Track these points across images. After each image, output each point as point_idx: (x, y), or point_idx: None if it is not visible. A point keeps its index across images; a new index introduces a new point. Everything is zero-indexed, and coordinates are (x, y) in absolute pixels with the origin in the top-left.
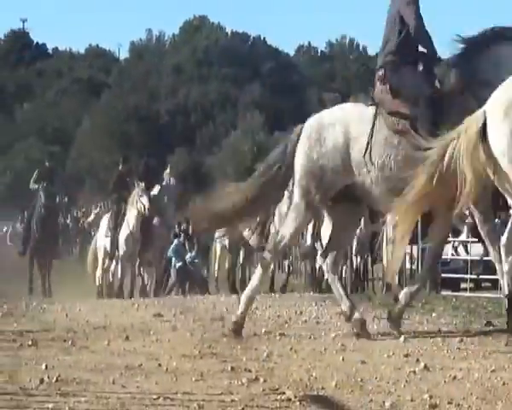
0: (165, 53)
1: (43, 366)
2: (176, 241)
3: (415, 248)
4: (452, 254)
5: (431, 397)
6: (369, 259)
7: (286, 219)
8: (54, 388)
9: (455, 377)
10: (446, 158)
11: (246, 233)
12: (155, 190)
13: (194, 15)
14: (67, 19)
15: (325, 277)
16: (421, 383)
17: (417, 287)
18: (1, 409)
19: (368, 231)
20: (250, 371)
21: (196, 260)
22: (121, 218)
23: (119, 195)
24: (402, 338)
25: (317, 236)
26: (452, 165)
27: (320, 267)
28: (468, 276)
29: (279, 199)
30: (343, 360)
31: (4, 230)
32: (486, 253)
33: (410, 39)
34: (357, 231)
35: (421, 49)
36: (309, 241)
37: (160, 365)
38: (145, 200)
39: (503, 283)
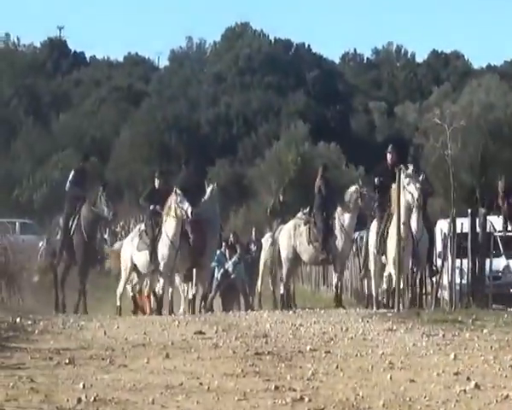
0: (205, 61)
1: (81, 386)
2: (217, 251)
3: (464, 262)
4: (504, 269)
5: None
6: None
7: None
8: (92, 408)
9: (507, 397)
10: None
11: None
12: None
13: (235, 22)
14: (105, 27)
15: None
16: (471, 402)
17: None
18: None
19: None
20: (295, 390)
21: (239, 265)
22: (158, 231)
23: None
24: (452, 356)
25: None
26: None
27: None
28: None
29: None
30: (391, 378)
31: (40, 244)
32: None
33: None
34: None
35: None
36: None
37: (201, 384)
38: (186, 205)
39: None
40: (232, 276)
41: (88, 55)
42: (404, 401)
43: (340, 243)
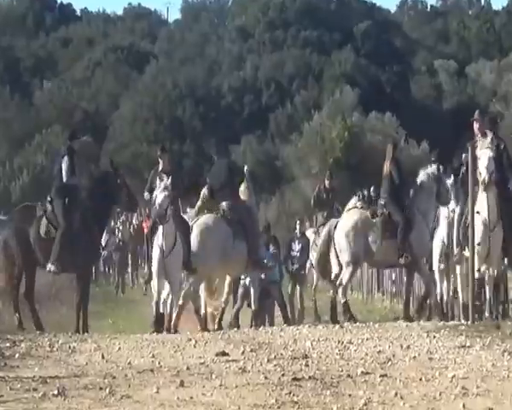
0: (227, 12)
1: None
2: None
3: None
4: None
5: None
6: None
7: None
8: None
9: None
10: None
11: None
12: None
13: None
14: None
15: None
16: None
17: None
18: None
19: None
20: None
21: (271, 264)
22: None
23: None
24: None
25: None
26: None
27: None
28: None
29: None
30: (464, 407)
31: None
32: None
33: None
34: None
35: None
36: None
37: None
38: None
39: None
40: (262, 276)
41: (78, 8)
42: None
43: (423, 239)
